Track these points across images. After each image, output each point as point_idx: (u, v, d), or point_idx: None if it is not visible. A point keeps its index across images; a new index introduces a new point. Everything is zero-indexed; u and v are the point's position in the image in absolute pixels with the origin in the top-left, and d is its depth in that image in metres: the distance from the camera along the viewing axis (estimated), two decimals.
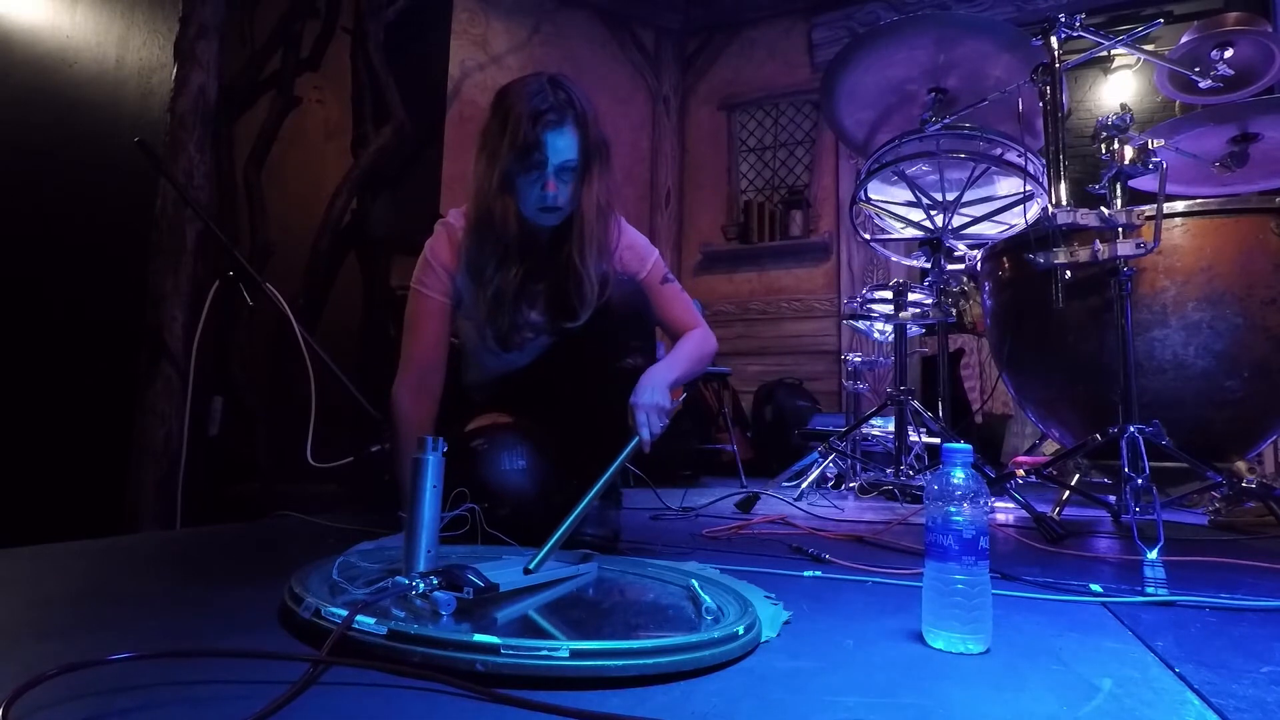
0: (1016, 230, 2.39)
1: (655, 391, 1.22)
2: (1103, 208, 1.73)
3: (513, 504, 1.26)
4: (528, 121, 1.22)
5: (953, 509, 0.78)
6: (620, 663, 0.65)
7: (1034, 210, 2.34)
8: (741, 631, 0.74)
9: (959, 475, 0.79)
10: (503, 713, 0.59)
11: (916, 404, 2.52)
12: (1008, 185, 2.50)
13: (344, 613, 0.71)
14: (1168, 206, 1.97)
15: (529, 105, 1.23)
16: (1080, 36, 1.90)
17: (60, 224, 2.10)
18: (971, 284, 3.29)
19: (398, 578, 0.85)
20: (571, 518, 1.05)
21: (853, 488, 2.62)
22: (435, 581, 0.83)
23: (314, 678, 0.60)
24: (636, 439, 1.17)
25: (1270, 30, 2.13)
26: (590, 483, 1.11)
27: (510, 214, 1.29)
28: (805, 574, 1.18)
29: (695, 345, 1.41)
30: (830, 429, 3.15)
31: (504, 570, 0.96)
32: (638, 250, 1.45)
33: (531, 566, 0.91)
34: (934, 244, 2.48)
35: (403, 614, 0.80)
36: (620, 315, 1.36)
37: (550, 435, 1.46)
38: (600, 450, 1.18)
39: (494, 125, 1.28)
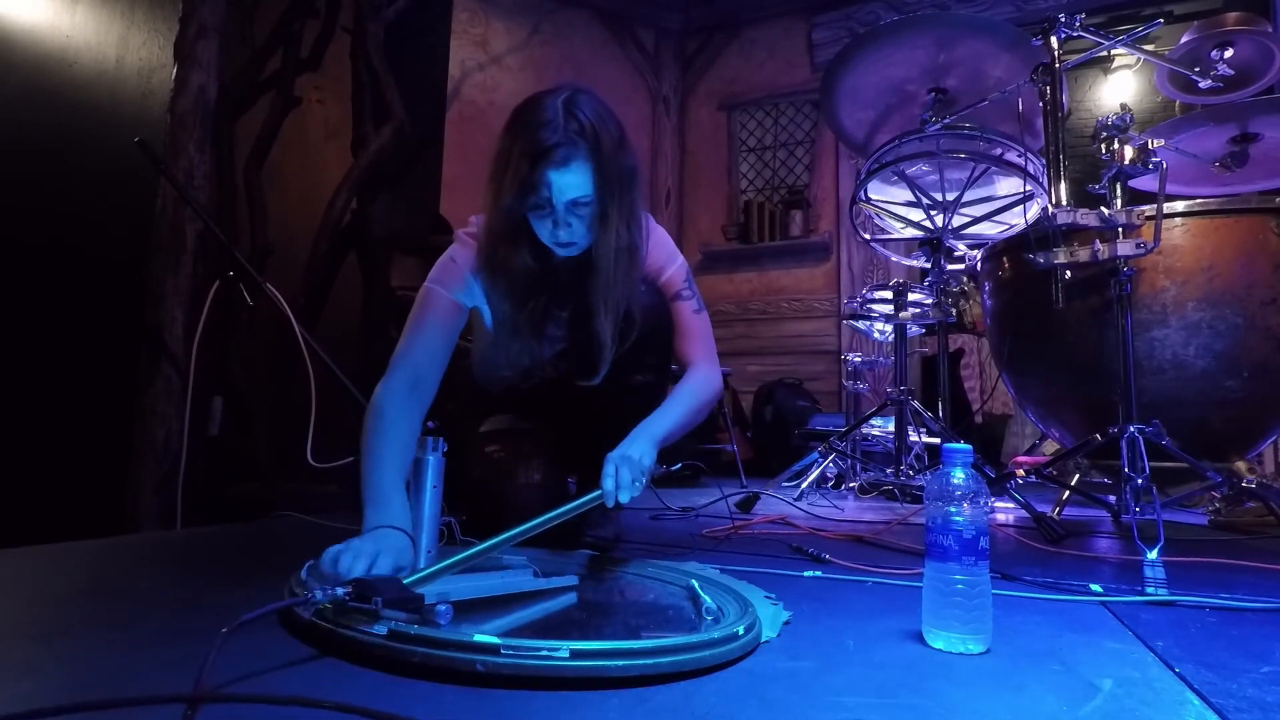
0: (1016, 230, 2.39)
1: (637, 446, 1.12)
2: (1103, 208, 1.73)
3: (521, 518, 1.22)
4: (528, 162, 1.09)
5: (953, 509, 0.78)
6: (621, 663, 0.65)
7: (1034, 210, 2.34)
8: (742, 632, 0.74)
9: (959, 475, 0.79)
10: (501, 713, 0.59)
11: (916, 404, 2.52)
12: (1008, 185, 2.50)
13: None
14: (1168, 206, 1.97)
15: (532, 142, 1.10)
16: (1080, 36, 1.90)
17: (60, 224, 2.10)
18: (971, 284, 3.29)
19: (316, 588, 0.75)
20: (492, 542, 0.97)
21: (853, 488, 2.61)
22: (340, 594, 0.73)
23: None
24: (599, 491, 1.05)
25: (1270, 30, 2.13)
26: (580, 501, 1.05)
27: (520, 247, 1.20)
28: (805, 574, 1.18)
29: (694, 391, 1.28)
30: (830, 429, 3.15)
31: (496, 578, 0.95)
32: (658, 258, 1.33)
33: (406, 581, 0.83)
34: (934, 244, 2.48)
35: (403, 615, 0.80)
36: (638, 330, 1.26)
37: (560, 443, 1.42)
38: (597, 469, 1.09)
39: (502, 150, 1.15)
